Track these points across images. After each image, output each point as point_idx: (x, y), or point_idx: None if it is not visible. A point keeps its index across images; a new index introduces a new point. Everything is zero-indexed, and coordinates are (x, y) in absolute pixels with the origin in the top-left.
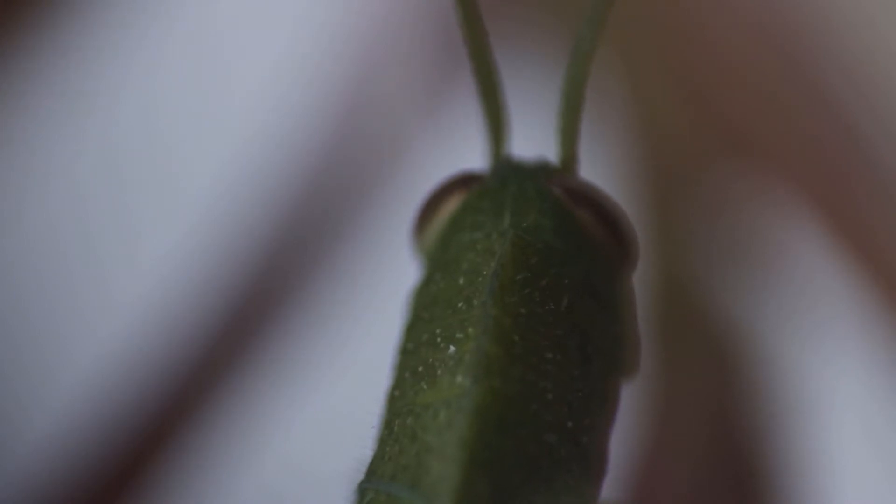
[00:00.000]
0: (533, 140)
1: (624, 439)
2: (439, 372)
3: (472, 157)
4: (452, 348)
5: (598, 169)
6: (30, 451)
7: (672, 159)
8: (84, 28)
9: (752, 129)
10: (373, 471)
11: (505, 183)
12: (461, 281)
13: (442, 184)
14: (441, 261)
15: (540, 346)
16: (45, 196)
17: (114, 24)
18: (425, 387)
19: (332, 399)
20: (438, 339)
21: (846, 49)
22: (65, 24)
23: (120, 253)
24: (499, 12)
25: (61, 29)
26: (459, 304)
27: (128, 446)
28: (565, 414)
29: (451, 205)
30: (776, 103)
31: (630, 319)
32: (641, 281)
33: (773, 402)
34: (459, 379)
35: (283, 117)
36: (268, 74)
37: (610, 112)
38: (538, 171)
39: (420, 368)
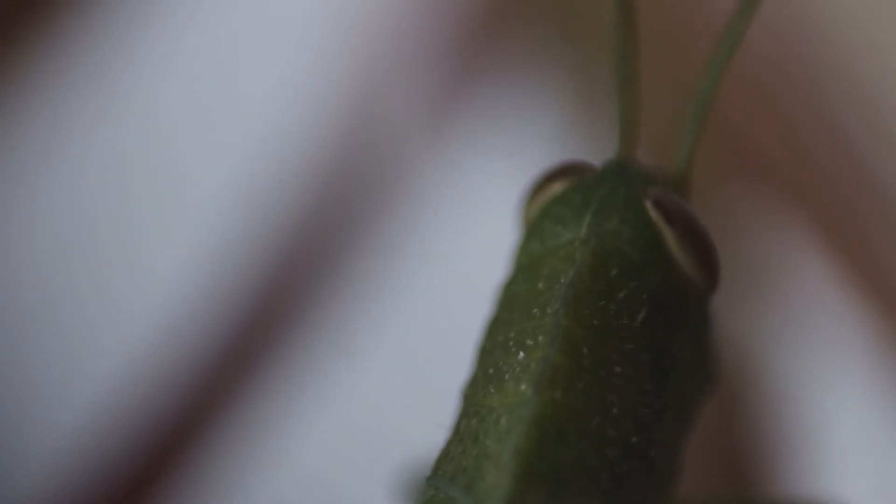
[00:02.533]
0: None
1: None
2: (507, 377)
3: (475, 166)
4: (522, 354)
5: None
6: (40, 463)
7: None
8: (89, 37)
9: (756, 149)
10: (437, 467)
11: (600, 182)
12: (540, 286)
13: (555, 166)
14: (527, 258)
15: (610, 359)
16: (50, 206)
17: (119, 34)
18: (493, 390)
19: (340, 410)
20: (511, 343)
21: (850, 69)
22: (69, 35)
23: (129, 262)
24: (505, 34)
25: (65, 40)
26: (534, 310)
27: (141, 456)
28: (631, 428)
29: (556, 188)
30: (780, 123)
31: (710, 340)
32: None
33: (775, 414)
34: (523, 387)
35: (289, 129)
36: (273, 86)
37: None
38: (639, 179)
39: (491, 370)
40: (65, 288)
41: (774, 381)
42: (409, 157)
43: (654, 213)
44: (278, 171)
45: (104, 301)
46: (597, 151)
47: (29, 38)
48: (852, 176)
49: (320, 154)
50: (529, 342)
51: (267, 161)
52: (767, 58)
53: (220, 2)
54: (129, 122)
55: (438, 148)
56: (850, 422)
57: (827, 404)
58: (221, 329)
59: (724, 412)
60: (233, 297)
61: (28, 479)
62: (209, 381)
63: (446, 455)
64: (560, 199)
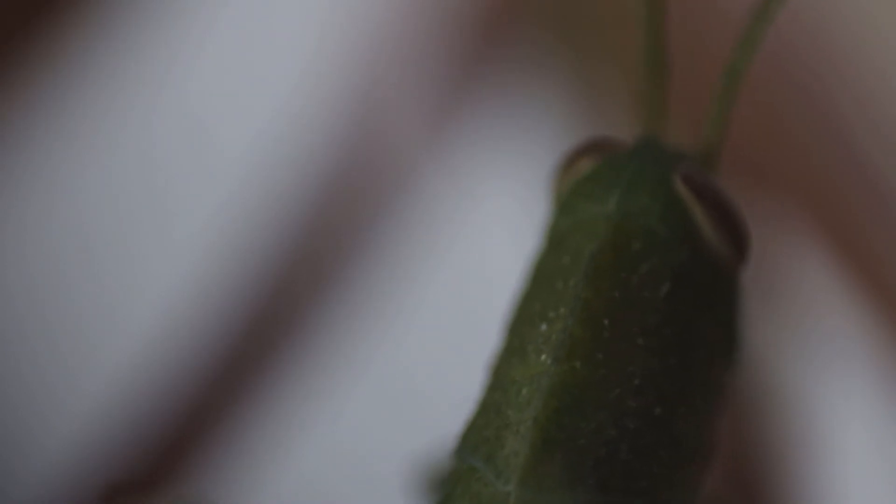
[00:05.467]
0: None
1: None
2: (530, 349)
3: (477, 170)
4: (544, 326)
5: None
6: (39, 467)
7: None
8: (88, 47)
9: (755, 151)
10: (461, 440)
11: (630, 159)
12: (565, 259)
13: (585, 143)
14: (554, 233)
15: (631, 331)
16: (49, 212)
17: (119, 40)
18: (516, 362)
19: (342, 415)
20: (535, 316)
21: (850, 68)
22: (68, 47)
23: (130, 267)
24: (508, 36)
25: (64, 52)
26: (558, 283)
27: (142, 458)
28: (654, 400)
29: (586, 165)
30: (781, 124)
31: (739, 316)
32: None
33: (781, 419)
34: (543, 357)
35: (293, 134)
36: (276, 92)
37: (615, 123)
38: (668, 156)
39: (516, 343)
40: (64, 294)
41: (780, 386)
42: (414, 161)
43: (683, 190)
44: (282, 176)
45: (104, 304)
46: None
47: (28, 52)
48: (853, 176)
49: (323, 157)
50: (551, 314)
51: (270, 166)
52: (766, 58)
53: (222, 9)
54: (130, 125)
55: (443, 151)
56: (858, 428)
57: (827, 406)
58: (225, 331)
59: (731, 418)
60: (235, 304)
61: (28, 482)
62: (212, 382)
63: (470, 427)
64: (590, 175)
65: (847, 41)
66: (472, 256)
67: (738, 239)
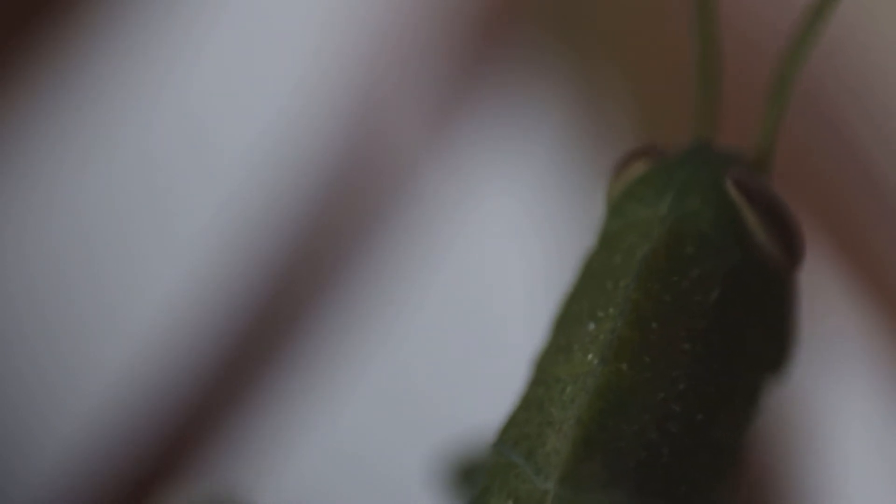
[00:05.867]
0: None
1: None
2: (576, 347)
3: (477, 170)
4: (592, 326)
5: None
6: (39, 471)
7: None
8: (88, 51)
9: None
10: (502, 434)
11: (682, 163)
12: (616, 260)
13: (638, 147)
14: (606, 234)
15: (679, 335)
16: (49, 215)
17: (119, 43)
18: (562, 360)
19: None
20: (583, 315)
21: (851, 66)
22: (67, 50)
23: (131, 269)
24: (502, 32)
25: (63, 56)
26: (608, 284)
27: (143, 461)
28: (696, 406)
29: (639, 168)
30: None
31: (789, 323)
32: None
33: (780, 420)
34: (590, 357)
35: (294, 137)
36: (277, 94)
37: (615, 124)
38: (721, 160)
39: (562, 341)
40: (64, 294)
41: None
42: (414, 161)
43: (735, 194)
44: (282, 176)
45: (105, 304)
46: (605, 153)
47: (29, 53)
48: (859, 182)
49: (324, 157)
50: (600, 314)
51: (271, 165)
52: (765, 54)
53: (223, 10)
54: (130, 125)
55: (443, 151)
56: (859, 428)
57: (828, 406)
58: (225, 331)
59: None
60: (236, 303)
61: (28, 482)
62: (213, 383)
63: (511, 422)
64: (643, 178)
65: (847, 42)
66: (473, 256)
67: (790, 243)
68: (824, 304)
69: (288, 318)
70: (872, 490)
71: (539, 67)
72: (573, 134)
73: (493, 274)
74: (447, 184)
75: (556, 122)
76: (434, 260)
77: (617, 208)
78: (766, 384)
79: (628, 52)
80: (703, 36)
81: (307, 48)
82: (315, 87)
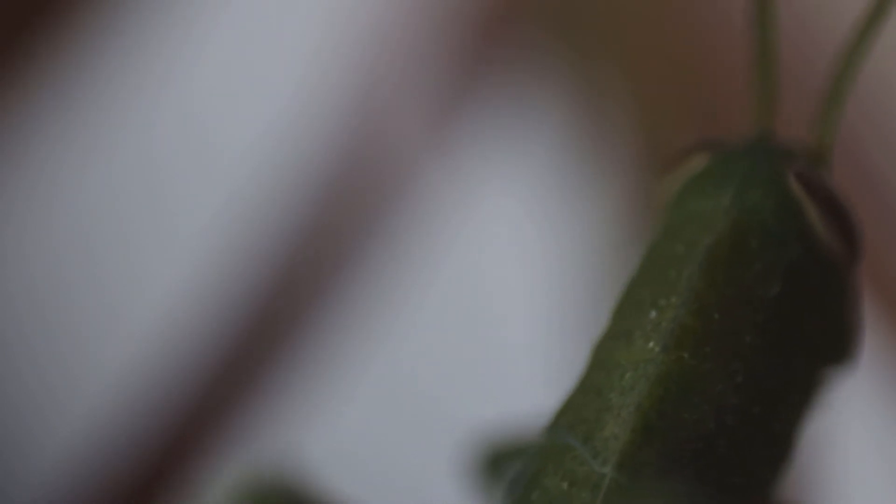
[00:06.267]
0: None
1: None
2: (637, 334)
3: (478, 171)
4: (654, 313)
5: (604, 177)
6: (39, 473)
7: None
8: (90, 55)
9: None
10: (556, 417)
11: (743, 156)
12: (679, 249)
13: (696, 141)
14: (668, 224)
15: (740, 327)
16: (50, 217)
17: (119, 49)
18: (622, 346)
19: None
20: (645, 303)
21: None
22: (72, 46)
23: (131, 271)
24: (503, 33)
25: (68, 53)
26: (671, 272)
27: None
28: (755, 399)
29: (699, 162)
30: (777, 126)
31: (851, 317)
32: None
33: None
34: (651, 345)
35: (294, 140)
36: (277, 99)
37: (615, 125)
38: (781, 153)
39: (623, 327)
40: (65, 294)
41: None
42: (415, 162)
43: (796, 188)
44: (283, 177)
45: (105, 304)
46: (607, 156)
47: (29, 53)
48: (859, 183)
49: (324, 159)
50: (662, 302)
51: (271, 167)
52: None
53: (223, 11)
54: (131, 126)
55: (444, 152)
56: (859, 429)
57: (828, 407)
58: (225, 332)
59: None
60: (236, 305)
61: (28, 482)
62: (213, 385)
63: (568, 405)
64: (704, 171)
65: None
66: (473, 256)
67: (849, 238)
68: None
69: (289, 319)
70: (872, 491)
71: (539, 68)
72: (574, 135)
73: (493, 274)
74: (448, 184)
75: (557, 123)
76: (435, 260)
77: (679, 200)
78: (825, 379)
79: (629, 52)
80: (762, 28)
81: (307, 49)
82: (315, 88)
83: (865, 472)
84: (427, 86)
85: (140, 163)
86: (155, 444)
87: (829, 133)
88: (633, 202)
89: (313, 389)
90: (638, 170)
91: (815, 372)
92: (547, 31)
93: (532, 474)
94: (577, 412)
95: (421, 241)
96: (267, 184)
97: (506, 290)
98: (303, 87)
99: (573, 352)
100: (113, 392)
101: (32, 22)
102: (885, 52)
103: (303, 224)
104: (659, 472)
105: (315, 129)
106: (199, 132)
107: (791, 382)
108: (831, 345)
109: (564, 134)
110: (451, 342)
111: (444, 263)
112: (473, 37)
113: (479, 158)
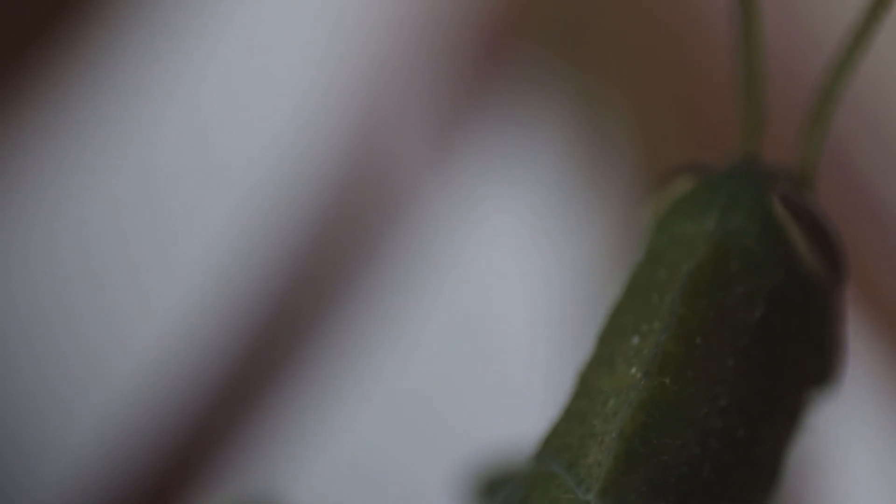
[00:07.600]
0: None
1: None
2: (620, 360)
3: (479, 188)
4: (636, 339)
5: (604, 195)
6: (43, 479)
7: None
8: (101, 49)
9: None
10: (543, 444)
11: (728, 179)
12: (661, 274)
13: (682, 164)
14: (652, 248)
15: (723, 351)
16: (55, 227)
17: (128, 47)
18: (605, 372)
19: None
20: (628, 328)
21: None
22: (78, 53)
23: (136, 281)
24: (505, 50)
25: (75, 60)
26: (653, 298)
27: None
28: (739, 422)
29: (684, 184)
30: (777, 128)
31: (833, 341)
32: None
33: None
34: (633, 371)
35: (296, 149)
36: (280, 111)
37: (615, 141)
38: (765, 176)
39: (606, 353)
40: (68, 300)
41: None
42: (417, 178)
43: (780, 211)
44: (287, 191)
45: (109, 310)
46: (607, 174)
47: (35, 60)
48: (858, 187)
49: (328, 173)
50: (644, 327)
51: (275, 180)
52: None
53: (230, 21)
54: (137, 135)
55: (446, 169)
56: (859, 447)
57: (828, 424)
58: (228, 343)
59: None
60: (239, 315)
61: (28, 482)
62: (215, 394)
63: (553, 433)
64: (688, 194)
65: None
66: (475, 271)
67: (834, 260)
68: None
69: (293, 330)
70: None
71: (540, 87)
72: (574, 153)
73: (494, 291)
74: (449, 202)
75: (557, 141)
76: (435, 277)
77: (662, 224)
78: (810, 402)
79: (629, 71)
80: (748, 50)
81: (310, 65)
82: (318, 106)
83: (865, 493)
84: (429, 103)
85: (146, 175)
86: (159, 457)
87: (812, 155)
88: (632, 220)
89: (319, 402)
90: (637, 188)
91: (799, 394)
92: (548, 50)
93: (519, 502)
94: (562, 439)
95: (422, 257)
96: (272, 197)
97: (506, 307)
98: (306, 102)
99: (573, 368)
100: (117, 400)
101: (40, 32)
102: (873, 63)
103: (305, 242)
104: (643, 498)
105: (318, 147)
106: (203, 144)
107: (775, 405)
108: (815, 367)
109: (565, 152)
110: (451, 358)
111: (444, 280)
112: (475, 55)
113: (480, 176)
